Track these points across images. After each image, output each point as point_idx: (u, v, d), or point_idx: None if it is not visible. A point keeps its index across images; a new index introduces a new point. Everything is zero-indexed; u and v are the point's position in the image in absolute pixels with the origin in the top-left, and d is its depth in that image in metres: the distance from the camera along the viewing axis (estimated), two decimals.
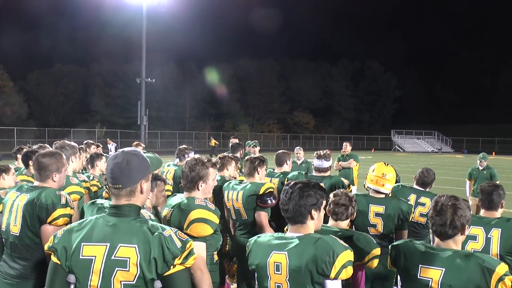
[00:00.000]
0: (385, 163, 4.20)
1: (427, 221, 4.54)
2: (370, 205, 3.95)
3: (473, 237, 3.32)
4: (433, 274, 2.24)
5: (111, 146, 27.66)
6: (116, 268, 1.94)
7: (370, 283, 3.86)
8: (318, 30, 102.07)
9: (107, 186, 4.76)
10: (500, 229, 3.26)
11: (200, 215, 2.80)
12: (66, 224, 2.95)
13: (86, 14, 63.07)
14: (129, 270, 1.94)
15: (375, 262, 3.02)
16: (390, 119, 79.90)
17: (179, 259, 1.98)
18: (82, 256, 1.97)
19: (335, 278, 2.20)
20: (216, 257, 2.94)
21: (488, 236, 3.27)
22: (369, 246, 2.94)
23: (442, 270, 2.22)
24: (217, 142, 27.64)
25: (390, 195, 4.15)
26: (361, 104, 78.95)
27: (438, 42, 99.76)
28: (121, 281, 1.94)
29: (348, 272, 2.23)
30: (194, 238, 2.68)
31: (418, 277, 2.27)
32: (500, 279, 2.14)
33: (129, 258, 1.94)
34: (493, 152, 44.11)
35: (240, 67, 70.57)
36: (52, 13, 67.21)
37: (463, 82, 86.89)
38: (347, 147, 10.49)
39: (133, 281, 1.94)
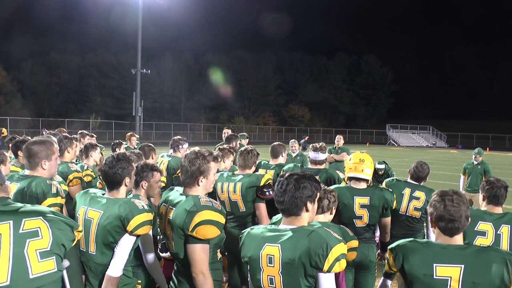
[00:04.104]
0: (360, 152, 4.23)
1: (422, 215, 4.55)
2: (354, 197, 3.94)
3: (482, 233, 3.30)
4: (452, 272, 2.16)
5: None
6: (27, 240, 1.96)
7: (353, 273, 3.89)
8: (316, 24, 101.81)
9: (100, 177, 4.74)
10: (509, 226, 3.27)
11: (207, 216, 2.60)
12: None
13: (82, 3, 62.53)
14: (42, 238, 1.99)
15: (352, 255, 3.01)
16: (385, 113, 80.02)
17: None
18: None
19: (328, 271, 2.18)
20: (219, 255, 2.83)
21: (498, 232, 3.28)
22: (344, 238, 2.95)
23: (462, 267, 2.15)
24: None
25: (370, 183, 4.14)
26: (357, 98, 79.00)
27: (435, 37, 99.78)
28: (36, 250, 1.97)
29: (341, 265, 2.21)
30: (198, 240, 2.60)
31: (435, 277, 2.18)
32: None
33: (39, 227, 2.00)
34: (487, 148, 44.27)
35: (236, 59, 70.42)
36: (47, 2, 66.68)
37: (459, 78, 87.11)
38: (340, 140, 10.51)
39: (47, 247, 2.00)
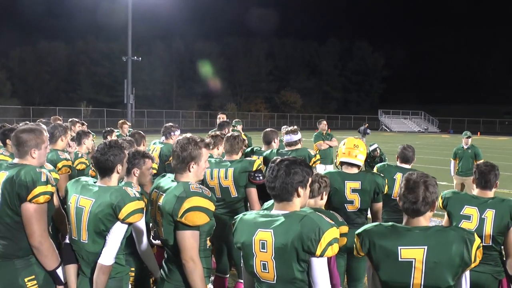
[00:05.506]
0: (354, 137, 4.24)
1: None
2: (345, 181, 3.93)
3: (467, 217, 3.33)
4: (416, 253, 2.21)
5: None
6: None
7: (345, 259, 3.90)
8: (307, 9, 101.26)
9: (92, 165, 4.71)
10: (494, 210, 3.28)
11: (197, 203, 2.58)
12: (48, 202, 2.89)
13: None
14: None
15: (342, 241, 3.00)
16: (377, 98, 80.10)
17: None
18: None
19: (321, 255, 2.19)
20: (209, 243, 2.82)
21: (482, 216, 3.29)
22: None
23: (425, 248, 2.20)
24: None
25: (361, 169, 4.14)
26: (349, 84, 78.98)
27: (427, 22, 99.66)
28: None
29: (334, 249, 2.22)
30: (188, 226, 2.59)
31: (399, 259, 2.23)
32: (478, 247, 2.23)
33: None
34: (478, 132, 44.61)
35: (227, 45, 70.01)
36: None
37: (451, 63, 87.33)
38: (326, 126, 10.08)
39: None
